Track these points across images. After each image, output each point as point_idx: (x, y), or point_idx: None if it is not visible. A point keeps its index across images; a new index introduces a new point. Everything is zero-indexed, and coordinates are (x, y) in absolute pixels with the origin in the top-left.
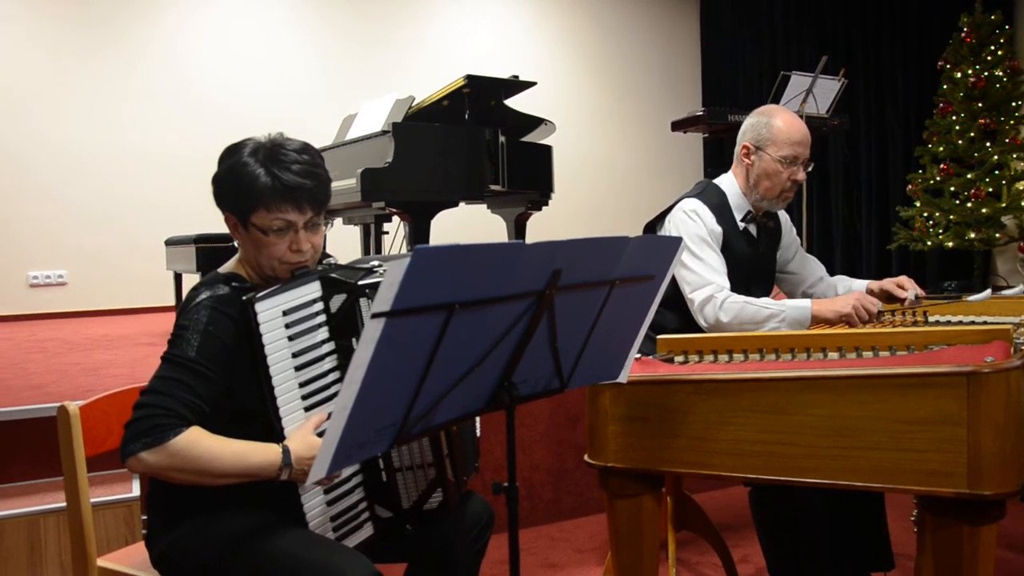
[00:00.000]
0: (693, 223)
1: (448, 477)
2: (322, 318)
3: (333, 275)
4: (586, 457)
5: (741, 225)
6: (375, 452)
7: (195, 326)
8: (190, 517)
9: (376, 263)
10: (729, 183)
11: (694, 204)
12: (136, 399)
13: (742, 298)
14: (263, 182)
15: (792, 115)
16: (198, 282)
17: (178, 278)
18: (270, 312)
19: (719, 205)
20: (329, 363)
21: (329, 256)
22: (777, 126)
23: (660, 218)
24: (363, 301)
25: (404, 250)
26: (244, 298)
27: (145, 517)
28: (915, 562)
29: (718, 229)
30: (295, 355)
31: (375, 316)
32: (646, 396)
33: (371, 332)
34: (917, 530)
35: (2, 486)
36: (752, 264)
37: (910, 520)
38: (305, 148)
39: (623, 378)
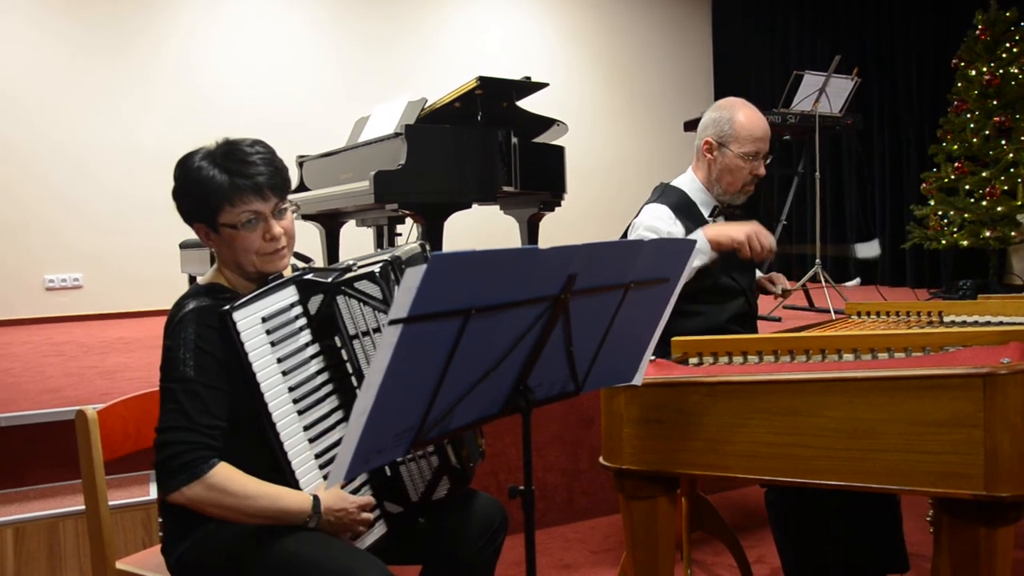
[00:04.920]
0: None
1: (452, 463)
2: (303, 321)
3: (308, 277)
4: (601, 459)
5: (710, 220)
6: (392, 457)
7: (185, 344)
8: (205, 522)
9: (352, 262)
10: (689, 180)
11: (652, 217)
12: (156, 438)
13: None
14: (220, 179)
15: (753, 109)
16: (181, 296)
17: (192, 281)
18: (249, 320)
19: (681, 205)
20: (316, 365)
21: (308, 259)
22: (740, 122)
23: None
24: (340, 298)
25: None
26: (222, 310)
27: (161, 520)
28: (931, 563)
29: (677, 231)
30: (280, 360)
31: (392, 323)
32: (661, 398)
33: (388, 338)
34: (933, 531)
35: (22, 489)
36: (730, 254)
37: (926, 520)
38: (256, 141)
39: (638, 380)
